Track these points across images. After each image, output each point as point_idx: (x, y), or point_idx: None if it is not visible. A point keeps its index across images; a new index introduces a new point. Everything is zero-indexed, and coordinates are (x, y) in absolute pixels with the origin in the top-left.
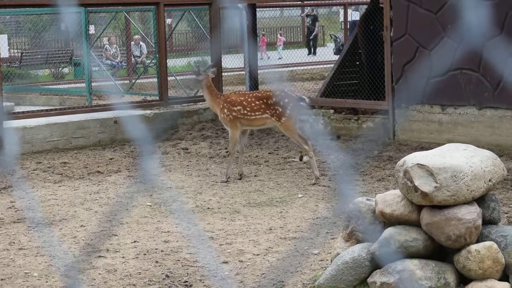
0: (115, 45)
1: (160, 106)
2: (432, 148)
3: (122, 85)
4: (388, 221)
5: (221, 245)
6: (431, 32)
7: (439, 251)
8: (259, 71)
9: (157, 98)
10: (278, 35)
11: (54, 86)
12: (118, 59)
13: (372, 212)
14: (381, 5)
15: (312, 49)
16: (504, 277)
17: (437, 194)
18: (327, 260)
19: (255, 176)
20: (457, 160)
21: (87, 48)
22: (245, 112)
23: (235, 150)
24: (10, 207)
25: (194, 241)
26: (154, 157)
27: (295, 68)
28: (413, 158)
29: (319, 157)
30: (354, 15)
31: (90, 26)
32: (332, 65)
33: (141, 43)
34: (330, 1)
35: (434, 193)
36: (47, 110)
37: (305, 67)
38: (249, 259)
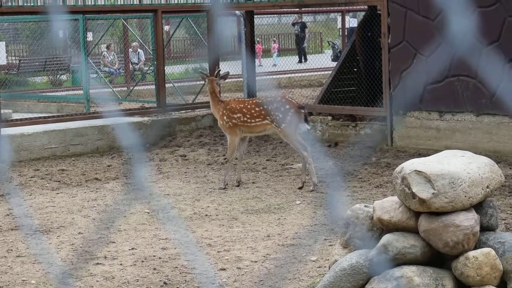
0: (113, 52)
1: (158, 113)
2: (430, 155)
3: (120, 92)
4: (386, 227)
5: (219, 252)
6: (429, 39)
7: (437, 258)
8: (256, 78)
9: (155, 105)
10: (272, 42)
11: (52, 93)
12: (116, 66)
13: (370, 218)
14: (378, 12)
15: (302, 57)
16: (502, 284)
17: (435, 200)
18: (325, 267)
19: (253, 183)
20: (454, 166)
21: (85, 55)
22: (245, 119)
23: (234, 157)
24: (7, 215)
25: (192, 248)
26: (147, 165)
27: (291, 75)
28: (410, 165)
29: (317, 163)
30: (352, 22)
31: (88, 33)
32: (330, 72)
33: (139, 50)
34: (328, 8)
35: (431, 199)
36: (45, 117)
37: (303, 74)
38: (247, 266)
